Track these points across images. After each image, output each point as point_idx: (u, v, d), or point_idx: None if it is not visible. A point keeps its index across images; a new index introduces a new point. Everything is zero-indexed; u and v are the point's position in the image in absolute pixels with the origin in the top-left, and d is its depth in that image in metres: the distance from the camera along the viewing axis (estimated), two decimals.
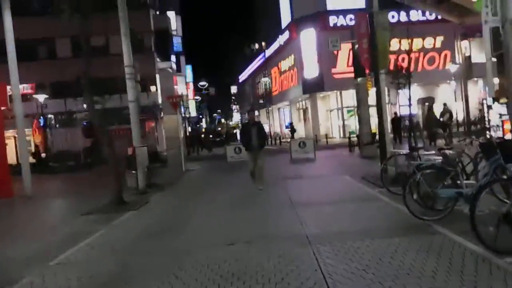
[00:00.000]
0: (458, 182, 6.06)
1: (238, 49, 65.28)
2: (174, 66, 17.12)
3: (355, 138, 22.39)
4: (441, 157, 7.30)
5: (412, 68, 27.47)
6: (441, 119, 24.01)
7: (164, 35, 17.19)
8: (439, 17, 33.84)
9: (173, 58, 17.63)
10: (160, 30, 17.61)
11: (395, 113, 24.54)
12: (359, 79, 17.69)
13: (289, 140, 38.92)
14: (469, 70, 29.76)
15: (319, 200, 8.35)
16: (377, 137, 19.57)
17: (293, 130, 38.11)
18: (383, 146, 10.91)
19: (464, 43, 31.68)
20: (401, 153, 8.66)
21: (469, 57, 30.38)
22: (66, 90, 32.14)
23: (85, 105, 25.19)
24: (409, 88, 12.13)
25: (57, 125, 33.90)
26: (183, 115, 32.94)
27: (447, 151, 6.18)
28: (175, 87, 17.12)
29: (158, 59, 16.99)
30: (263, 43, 48.81)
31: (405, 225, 5.98)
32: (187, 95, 41.36)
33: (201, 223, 7.47)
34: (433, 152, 9.02)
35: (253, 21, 57.18)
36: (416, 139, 11.62)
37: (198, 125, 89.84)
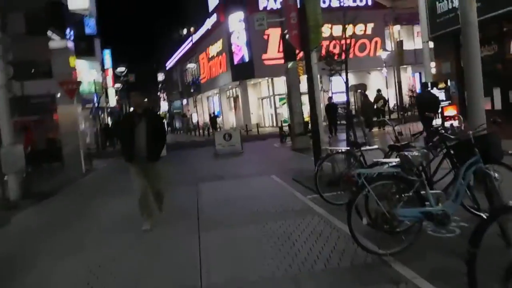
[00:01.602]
0: (423, 193, 4.20)
1: (165, 34, 61.58)
2: (70, 44, 14.08)
3: (287, 128, 20.76)
4: (390, 158, 5.47)
5: (344, 53, 26.73)
6: (375, 106, 23.13)
7: (55, 4, 14.08)
8: (369, 3, 33.37)
9: (70, 34, 14.56)
10: None
11: (330, 98, 21.38)
12: (289, 64, 15.80)
13: (218, 129, 37.17)
14: (401, 56, 29.20)
15: (235, 218, 6.18)
16: (309, 127, 18.09)
17: (214, 121, 35.96)
18: (317, 139, 9.04)
19: (397, 27, 31.08)
20: (339, 151, 6.73)
21: (401, 42, 29.83)
22: None
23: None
24: (346, 72, 10.36)
25: None
26: (96, 104, 29.45)
27: (408, 153, 4.26)
28: (74, 71, 14.08)
29: (54, 38, 13.86)
30: (192, 29, 45.92)
31: (352, 264, 4.02)
32: (102, 82, 37.48)
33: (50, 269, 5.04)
34: (376, 147, 7.26)
35: (181, 3, 53.83)
36: (354, 129, 9.76)
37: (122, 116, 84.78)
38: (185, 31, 51.89)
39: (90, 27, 36.52)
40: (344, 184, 5.78)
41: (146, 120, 5.88)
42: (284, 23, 15.97)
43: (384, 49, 30.83)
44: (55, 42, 14.21)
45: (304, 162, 11.48)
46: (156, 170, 6.19)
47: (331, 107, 19.95)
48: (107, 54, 48.59)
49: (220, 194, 8.08)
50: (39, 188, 11.20)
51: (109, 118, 47.55)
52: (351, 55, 35.05)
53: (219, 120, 41.76)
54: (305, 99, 12.43)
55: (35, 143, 17.27)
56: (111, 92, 50.14)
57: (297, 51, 16.74)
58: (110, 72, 49.70)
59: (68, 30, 14.84)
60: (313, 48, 8.83)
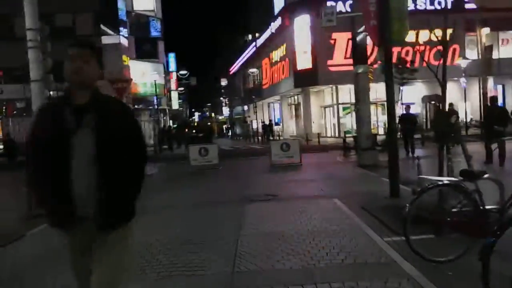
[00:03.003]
0: None
1: (230, 39, 61.39)
2: (124, 40, 13.21)
3: (351, 139, 18.77)
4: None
5: (417, 62, 24.23)
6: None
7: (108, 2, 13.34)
8: (449, 6, 30.38)
9: (124, 32, 13.74)
10: None
11: (408, 107, 17.33)
12: (359, 68, 13.92)
13: (277, 138, 35.66)
14: (489, 64, 26.01)
15: (286, 273, 4.48)
16: (379, 140, 15.94)
17: (267, 129, 34.32)
18: (394, 154, 7.20)
19: (485, 30, 27.76)
20: (444, 182, 4.76)
21: (491, 47, 26.59)
22: (24, 75, 28.48)
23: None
24: (444, 78, 8.38)
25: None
26: (155, 106, 29.09)
27: None
28: (127, 69, 13.20)
29: (108, 32, 13.07)
30: (257, 34, 45.08)
31: None
32: (164, 85, 37.41)
33: None
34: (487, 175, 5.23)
35: (246, 9, 53.23)
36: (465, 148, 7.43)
37: (190, 119, 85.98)
38: (249, 36, 51.20)
39: (156, 30, 36.74)
40: (448, 230, 3.99)
41: (95, 123, 2.33)
42: (355, 21, 14.18)
43: (464, 57, 27.87)
44: (107, 37, 13.40)
45: (373, 183, 9.62)
46: (117, 252, 2.45)
47: (408, 118, 15.94)
48: (172, 58, 49.02)
49: (270, 223, 6.45)
50: None
51: (171, 121, 47.81)
52: (423, 63, 32.12)
53: (278, 128, 40.30)
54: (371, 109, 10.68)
55: None
56: (174, 96, 50.53)
57: (368, 54, 14.94)
58: (174, 76, 50.11)
59: (123, 28, 14.00)
60: (396, 43, 7.04)
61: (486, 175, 4.31)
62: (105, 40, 13.43)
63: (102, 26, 13.61)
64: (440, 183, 4.54)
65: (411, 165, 10.52)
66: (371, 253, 4.71)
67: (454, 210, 4.14)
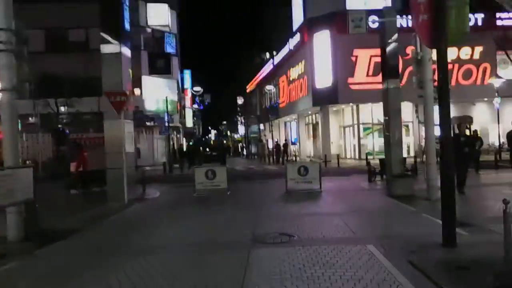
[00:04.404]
0: None
1: (247, 57, 60.34)
2: (126, 50, 11.79)
3: (376, 161, 16.92)
4: None
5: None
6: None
7: (112, 2, 12.02)
8: (479, 22, 28.56)
9: (127, 42, 12.39)
10: None
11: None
12: (389, 83, 12.18)
13: (293, 158, 33.87)
14: None
15: None
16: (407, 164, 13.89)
17: (280, 150, 32.55)
18: (449, 197, 5.42)
19: None
20: None
21: None
22: (35, 90, 27.51)
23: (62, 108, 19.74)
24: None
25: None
26: (168, 123, 27.68)
27: None
28: (127, 81, 11.75)
29: (107, 39, 11.69)
30: (274, 53, 43.82)
31: None
32: (177, 102, 36.11)
33: None
34: None
35: (264, 27, 52.18)
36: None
37: (204, 138, 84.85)
38: (267, 54, 50.01)
39: (171, 45, 35.70)
40: None
41: None
42: (385, 29, 12.50)
43: (497, 76, 25.92)
44: (106, 46, 12.00)
45: (414, 222, 7.78)
46: None
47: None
48: (187, 74, 48.01)
49: (285, 283, 4.71)
50: (59, 224, 8.72)
51: (184, 139, 46.45)
52: (453, 82, 30.18)
53: (295, 148, 38.55)
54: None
55: (86, 163, 15.33)
56: (189, 113, 49.33)
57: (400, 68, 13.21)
58: (189, 93, 49.02)
59: (127, 41, 12.65)
60: (455, 39, 5.33)
61: None
62: (104, 48, 11.98)
63: (102, 34, 12.20)
64: None
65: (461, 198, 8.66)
66: None
67: None
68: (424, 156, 12.16)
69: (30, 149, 25.98)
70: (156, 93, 32.07)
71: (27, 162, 25.77)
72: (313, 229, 7.53)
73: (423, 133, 27.47)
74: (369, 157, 25.91)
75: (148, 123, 30.89)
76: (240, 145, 68.27)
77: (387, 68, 12.35)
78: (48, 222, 8.46)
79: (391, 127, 12.20)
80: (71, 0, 28.85)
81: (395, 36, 12.19)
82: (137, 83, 29.50)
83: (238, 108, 69.90)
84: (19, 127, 28.92)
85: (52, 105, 26.87)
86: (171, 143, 31.92)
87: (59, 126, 26.72)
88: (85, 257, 6.39)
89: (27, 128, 28.95)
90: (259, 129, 52.99)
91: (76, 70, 26.98)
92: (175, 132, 39.21)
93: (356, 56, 29.04)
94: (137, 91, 29.59)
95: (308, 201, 11.15)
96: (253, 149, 53.53)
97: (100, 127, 13.40)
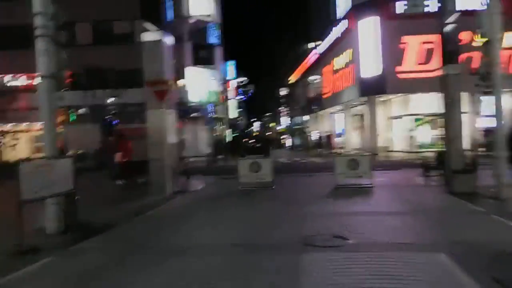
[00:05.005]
0: None
1: (291, 47, 59.36)
2: (168, 39, 11.40)
3: (427, 154, 15.76)
4: None
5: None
6: None
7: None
8: None
9: (168, 34, 11.99)
10: None
11: None
12: (449, 69, 11.09)
13: (339, 151, 32.80)
14: None
15: None
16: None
17: (321, 142, 31.40)
18: None
19: None
20: None
21: None
22: (85, 82, 28.09)
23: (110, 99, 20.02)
24: None
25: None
26: (211, 115, 27.43)
27: None
28: (169, 71, 11.38)
29: (148, 28, 11.37)
30: (318, 42, 42.67)
31: None
32: (221, 93, 35.80)
33: None
34: None
35: (307, 16, 50.93)
36: None
37: (247, 129, 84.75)
38: (311, 44, 48.86)
39: (214, 36, 35.41)
40: None
41: None
42: (445, 7, 11.37)
43: None
44: (147, 34, 11.65)
45: (485, 226, 6.86)
46: None
47: None
48: (231, 65, 47.73)
49: None
50: (99, 216, 8.46)
51: (227, 130, 46.33)
52: (511, 70, 27.91)
53: (340, 140, 37.44)
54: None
55: (130, 153, 15.24)
56: (232, 104, 49.13)
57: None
58: (232, 84, 48.76)
59: (168, 30, 12.26)
60: None
61: None
62: (146, 37, 11.63)
63: (143, 24, 11.87)
64: None
65: None
66: None
67: None
68: (479, 149, 11.09)
69: (80, 140, 26.60)
70: (199, 84, 31.91)
71: (79, 151, 26.53)
72: (369, 231, 6.76)
73: (477, 125, 25.78)
74: (420, 150, 24.58)
75: (192, 115, 30.83)
76: (283, 136, 67.56)
77: (446, 52, 11.26)
78: (89, 214, 8.22)
79: (450, 117, 11.13)
80: None
81: (454, 16, 11.07)
82: (181, 74, 29.45)
83: (281, 99, 69.13)
84: (73, 118, 30.06)
85: (99, 97, 27.35)
86: (215, 134, 31.70)
87: (107, 117, 27.14)
88: (120, 255, 6.00)
89: (78, 119, 29.75)
90: (303, 120, 52.10)
91: (122, 62, 27.29)
92: (218, 123, 39.09)
93: (406, 43, 27.55)
94: (180, 82, 29.54)
95: (359, 197, 10.35)
96: (297, 141, 52.75)
97: (144, 118, 13.15)
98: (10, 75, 29.88)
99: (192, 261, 5.43)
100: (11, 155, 27.52)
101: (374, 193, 10.99)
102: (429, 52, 27.39)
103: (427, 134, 28.63)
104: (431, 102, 28.97)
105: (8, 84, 29.22)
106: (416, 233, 6.52)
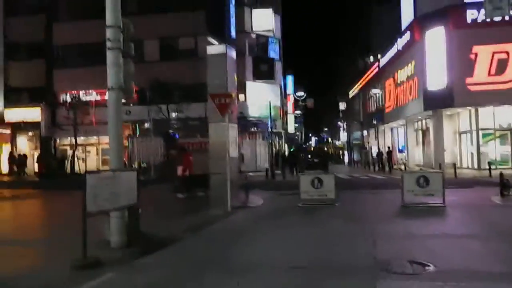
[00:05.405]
0: None
1: (351, 61, 58.41)
2: (231, 53, 11.45)
3: (497, 172, 14.52)
4: None
5: None
6: None
7: (218, 4, 11.80)
8: None
9: (232, 49, 12.09)
10: None
11: None
12: None
13: (401, 167, 31.42)
14: None
15: None
16: None
17: (382, 157, 30.16)
18: None
19: None
20: None
21: None
22: (150, 97, 29.09)
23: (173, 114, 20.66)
24: None
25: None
26: (270, 129, 27.35)
27: None
28: (232, 84, 11.43)
29: (213, 42, 11.50)
30: (378, 56, 41.67)
31: None
32: (280, 107, 35.75)
33: None
34: None
35: (368, 28, 49.95)
36: None
37: (305, 144, 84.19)
38: (371, 58, 47.79)
39: (274, 51, 35.59)
40: None
41: None
42: None
43: None
44: (212, 47, 11.74)
45: None
46: None
47: None
48: (290, 80, 47.70)
49: None
50: (161, 230, 8.45)
51: (285, 145, 46.15)
52: None
53: (402, 155, 35.95)
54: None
55: (191, 167, 15.39)
56: (291, 119, 48.96)
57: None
58: (291, 98, 48.67)
59: (232, 45, 12.35)
60: None
61: None
62: (210, 50, 11.73)
63: (208, 38, 12.01)
64: None
65: None
66: None
67: None
68: None
69: (144, 153, 27.46)
70: (259, 98, 32.08)
71: (142, 164, 27.46)
72: (450, 256, 6.12)
73: None
74: (491, 166, 22.93)
75: (251, 129, 30.95)
76: (341, 152, 66.18)
77: None
78: (151, 227, 8.22)
79: None
80: (182, 9, 30.12)
81: None
82: (242, 88, 29.74)
83: (340, 114, 67.99)
84: (137, 132, 31.32)
85: (164, 111, 28.19)
86: (274, 149, 31.56)
87: (170, 130, 27.87)
88: (182, 272, 5.84)
89: (141, 132, 30.85)
90: (362, 135, 50.79)
91: (185, 77, 28.03)
92: (277, 138, 39.00)
93: (476, 54, 26.06)
94: (241, 96, 29.81)
95: (431, 217, 9.62)
96: (356, 156, 51.43)
97: (206, 132, 13.23)
98: (84, 91, 31.72)
99: (259, 282, 5.15)
100: (82, 167, 28.95)
101: (447, 213, 10.18)
102: (501, 63, 25.73)
103: (498, 150, 26.79)
104: (503, 115, 27.11)
105: (83, 99, 30.94)
106: (503, 260, 5.82)
